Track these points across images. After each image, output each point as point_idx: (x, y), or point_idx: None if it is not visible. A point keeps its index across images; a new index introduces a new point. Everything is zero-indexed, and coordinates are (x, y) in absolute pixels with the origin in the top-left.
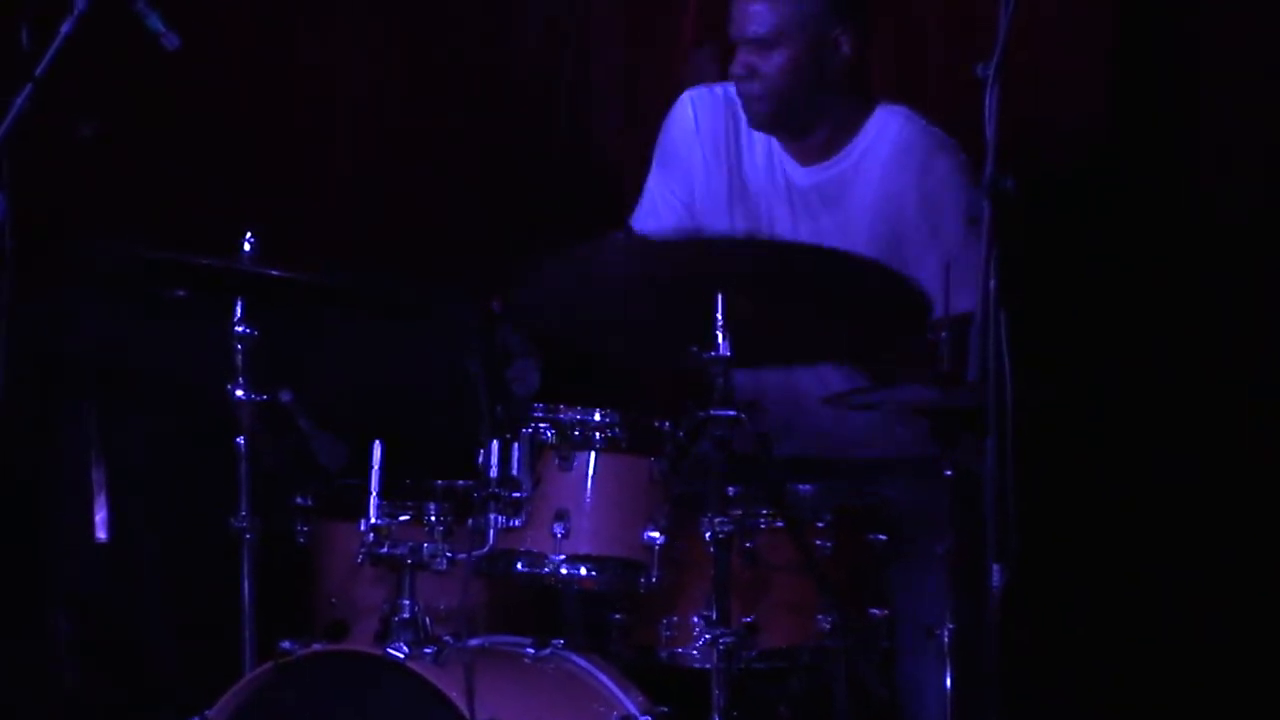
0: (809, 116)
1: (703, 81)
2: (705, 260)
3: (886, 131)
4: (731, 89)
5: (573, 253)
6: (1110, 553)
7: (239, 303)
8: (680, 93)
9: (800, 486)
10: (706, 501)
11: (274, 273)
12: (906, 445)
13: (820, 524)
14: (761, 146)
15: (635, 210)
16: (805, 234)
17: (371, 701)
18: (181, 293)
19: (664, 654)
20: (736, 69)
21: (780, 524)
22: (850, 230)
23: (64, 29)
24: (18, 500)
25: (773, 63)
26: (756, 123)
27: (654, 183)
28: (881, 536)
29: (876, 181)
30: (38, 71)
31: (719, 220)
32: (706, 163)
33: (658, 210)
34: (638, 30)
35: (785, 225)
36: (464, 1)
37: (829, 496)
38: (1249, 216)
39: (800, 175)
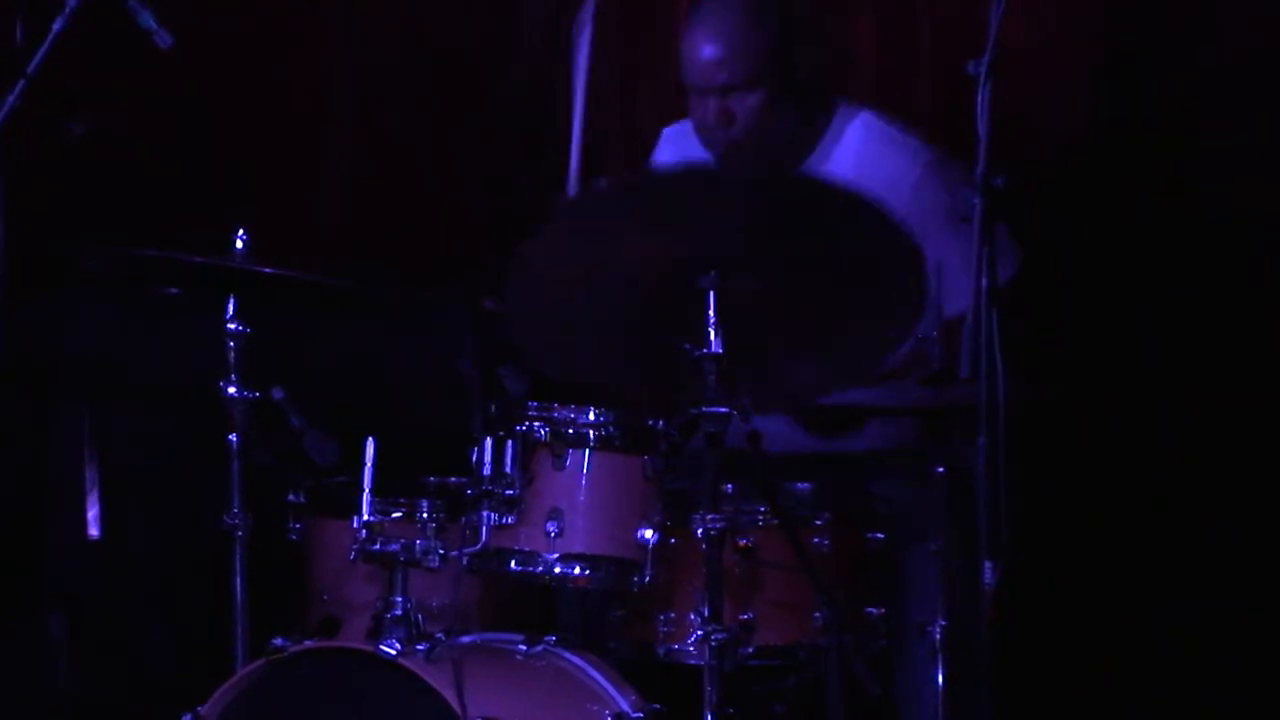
0: (775, 138)
1: None
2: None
3: (850, 139)
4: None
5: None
6: (1103, 549)
7: (231, 300)
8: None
9: (798, 485)
10: (699, 499)
11: (266, 271)
12: (898, 438)
13: (818, 522)
14: None
15: None
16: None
17: (363, 698)
18: (174, 290)
19: (661, 651)
20: (710, 118)
21: (776, 521)
22: None
23: (56, 26)
24: (13, 500)
25: (749, 105)
26: (732, 164)
27: None
28: (880, 535)
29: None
30: (30, 69)
31: None
32: None
33: None
34: (635, 31)
35: None
36: (464, 2)
37: (827, 495)
38: (1242, 214)
39: None
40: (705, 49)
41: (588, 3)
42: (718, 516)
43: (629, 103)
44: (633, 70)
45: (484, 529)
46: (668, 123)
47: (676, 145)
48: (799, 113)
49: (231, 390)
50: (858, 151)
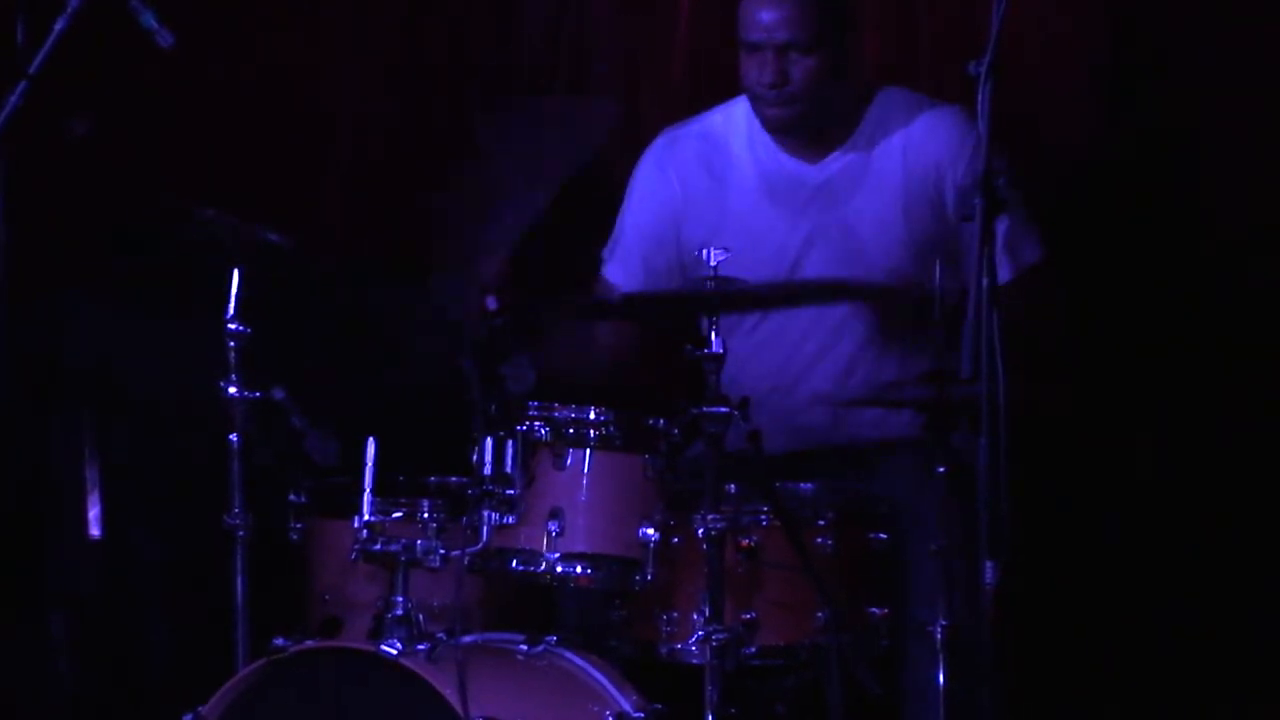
0: (824, 112)
1: None
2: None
3: (893, 113)
4: (705, 122)
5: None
6: (1104, 548)
7: (232, 299)
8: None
9: (801, 485)
10: (701, 499)
11: (272, 238)
12: (904, 427)
13: (821, 522)
14: (752, 165)
15: (608, 245)
16: (831, 225)
17: (364, 698)
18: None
19: (664, 650)
20: (766, 76)
21: (778, 521)
22: (881, 213)
23: (58, 26)
24: (15, 501)
25: (806, 67)
26: (777, 126)
27: (627, 223)
28: (882, 535)
29: (898, 161)
30: (32, 69)
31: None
32: (688, 198)
33: (628, 249)
34: (636, 30)
35: (805, 224)
36: (464, 1)
37: (830, 495)
38: (1245, 214)
39: (810, 172)
40: (769, 5)
41: None
42: (719, 516)
43: (630, 95)
44: (632, 63)
45: (485, 529)
46: (668, 114)
47: (679, 150)
48: (846, 91)
49: (232, 390)
50: (905, 124)
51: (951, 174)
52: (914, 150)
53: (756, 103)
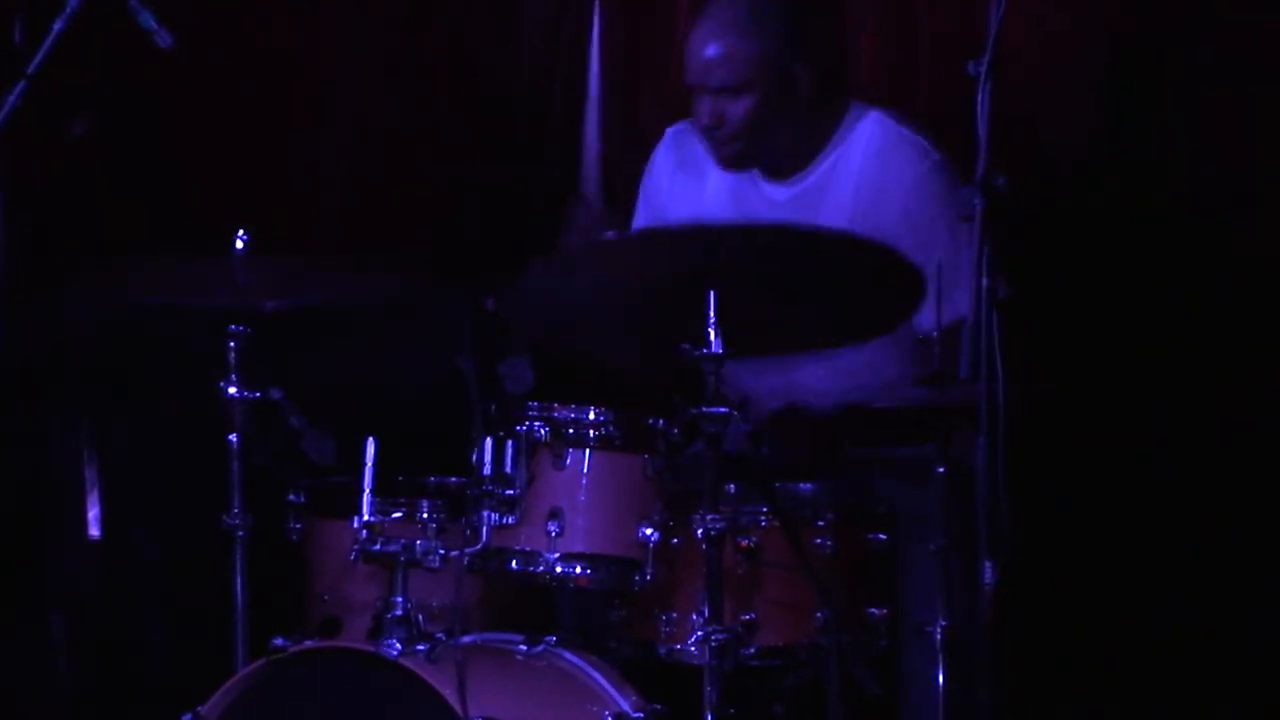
0: (777, 144)
1: None
2: (694, 250)
3: (859, 137)
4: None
5: (561, 255)
6: (1103, 549)
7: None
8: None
9: (800, 485)
10: (700, 499)
11: (268, 305)
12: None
13: (820, 522)
14: (727, 174)
15: None
16: None
17: (364, 699)
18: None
19: (662, 650)
20: (704, 118)
21: (777, 521)
22: None
23: (56, 26)
24: (15, 501)
25: (739, 108)
26: (728, 164)
27: (639, 220)
28: (882, 535)
29: (851, 188)
30: (30, 69)
31: None
32: (684, 196)
33: None
34: (635, 32)
35: None
36: (464, 1)
37: (829, 495)
38: (1244, 216)
39: (778, 192)
40: (703, 49)
41: None
42: (718, 516)
43: (630, 97)
44: (633, 65)
45: (484, 529)
46: (668, 118)
47: (677, 146)
48: (804, 119)
49: (231, 390)
50: (865, 150)
51: (900, 205)
52: (866, 179)
53: (706, 141)
